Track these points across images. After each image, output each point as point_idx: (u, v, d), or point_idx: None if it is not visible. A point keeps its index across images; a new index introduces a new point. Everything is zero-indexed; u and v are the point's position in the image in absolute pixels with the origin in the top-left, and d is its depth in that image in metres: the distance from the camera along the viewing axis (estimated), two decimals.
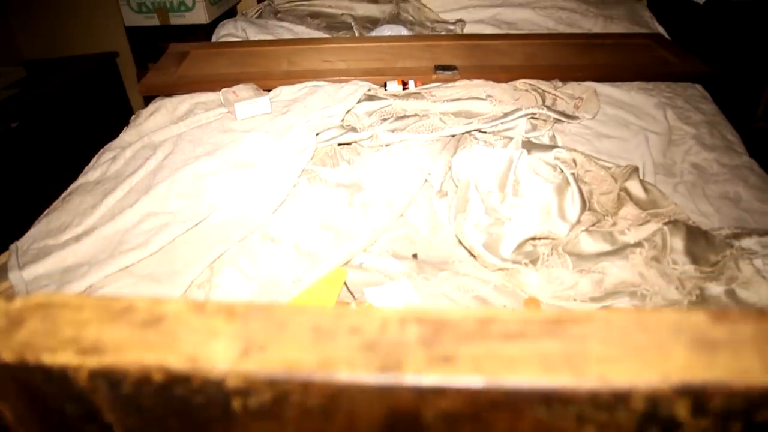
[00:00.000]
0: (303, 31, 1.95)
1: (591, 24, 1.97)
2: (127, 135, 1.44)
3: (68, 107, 2.50)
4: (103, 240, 1.00)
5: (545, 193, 1.03)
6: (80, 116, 2.57)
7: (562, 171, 1.08)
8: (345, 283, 0.92)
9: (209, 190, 1.08)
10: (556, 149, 1.11)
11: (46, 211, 1.21)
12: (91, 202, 1.16)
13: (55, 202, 1.22)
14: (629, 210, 1.10)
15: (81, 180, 1.28)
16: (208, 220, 1.01)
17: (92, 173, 1.29)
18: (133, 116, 1.56)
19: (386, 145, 1.24)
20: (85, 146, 2.51)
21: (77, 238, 1.04)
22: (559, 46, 1.77)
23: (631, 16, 2.05)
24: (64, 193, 1.25)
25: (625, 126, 1.42)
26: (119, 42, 2.77)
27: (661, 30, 2.03)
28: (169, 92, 1.60)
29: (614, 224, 1.08)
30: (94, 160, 1.37)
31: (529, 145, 1.16)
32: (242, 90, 1.40)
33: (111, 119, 2.71)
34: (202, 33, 2.40)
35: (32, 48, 2.93)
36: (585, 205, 1.03)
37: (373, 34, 1.88)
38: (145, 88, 1.61)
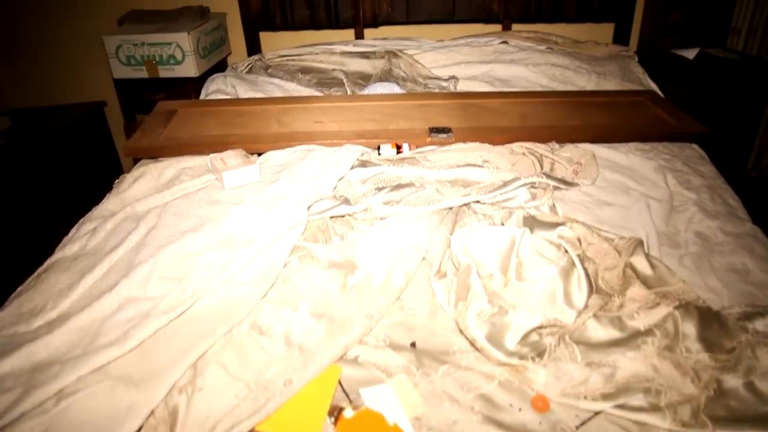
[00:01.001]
0: (294, 88, 1.92)
1: (584, 81, 1.95)
2: (109, 203, 1.38)
3: (53, 160, 2.44)
4: (78, 331, 0.93)
5: (550, 277, 0.98)
6: (66, 169, 2.51)
7: (566, 251, 1.02)
8: (339, 382, 0.85)
9: (194, 272, 1.02)
10: (559, 227, 1.07)
11: (19, 289, 1.14)
12: (68, 281, 1.09)
13: (29, 280, 1.15)
14: (637, 290, 1.05)
15: (58, 254, 1.21)
16: (191, 310, 0.94)
17: (70, 247, 1.22)
18: (117, 181, 1.50)
19: (381, 219, 1.18)
20: (70, 202, 2.46)
21: (50, 326, 0.97)
22: (554, 105, 1.75)
23: (624, 72, 2.04)
24: (40, 269, 1.18)
25: (625, 192, 1.39)
26: (107, 91, 2.73)
27: (653, 86, 2.02)
28: (155, 155, 1.55)
29: (621, 306, 1.03)
30: (73, 230, 1.30)
31: (531, 221, 1.11)
32: (230, 157, 1.35)
33: (98, 171, 2.67)
34: (192, 85, 2.37)
35: (18, 96, 2.89)
36: (592, 289, 0.98)
37: (366, 91, 1.85)
38: (130, 150, 1.56)
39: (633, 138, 1.61)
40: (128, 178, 1.46)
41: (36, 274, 1.17)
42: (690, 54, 2.32)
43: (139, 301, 0.97)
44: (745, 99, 2.29)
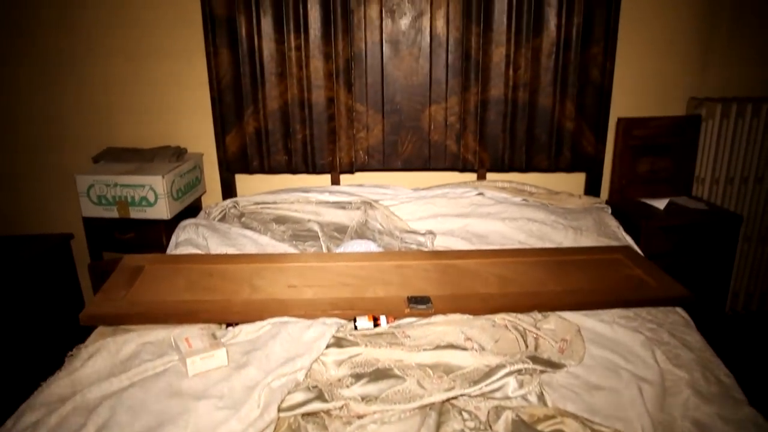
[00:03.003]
0: (267, 243, 1.87)
1: (561, 237, 1.95)
2: (58, 385, 1.25)
3: (11, 298, 2.31)
4: None
5: None
6: (25, 308, 2.37)
7: None
8: None
9: None
10: None
11: None
12: None
13: None
14: None
15: None
16: None
17: None
18: (70, 354, 1.37)
19: (359, 417, 1.08)
20: (26, 350, 2.31)
21: None
22: (533, 265, 1.72)
23: (599, 226, 2.06)
24: None
25: (614, 372, 1.32)
26: (75, 221, 2.62)
27: (629, 240, 2.03)
28: (115, 324, 1.44)
29: None
30: (10, 422, 1.16)
31: (520, 427, 1.02)
32: (196, 338, 1.25)
33: (59, 311, 2.52)
34: (163, 227, 2.32)
35: None
36: None
37: (341, 249, 1.81)
38: (88, 318, 1.45)
39: (615, 304, 1.57)
40: (83, 353, 1.34)
41: None
42: (660, 204, 2.38)
43: None
44: (716, 246, 2.33)
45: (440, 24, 2.21)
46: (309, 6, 2.21)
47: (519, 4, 2.17)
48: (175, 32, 2.43)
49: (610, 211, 2.24)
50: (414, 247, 1.91)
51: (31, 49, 2.48)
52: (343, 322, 1.40)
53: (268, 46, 2.26)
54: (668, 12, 2.39)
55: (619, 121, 2.42)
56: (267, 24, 2.24)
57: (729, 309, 2.81)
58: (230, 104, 2.35)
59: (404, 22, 2.23)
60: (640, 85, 2.47)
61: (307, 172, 2.40)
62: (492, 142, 2.32)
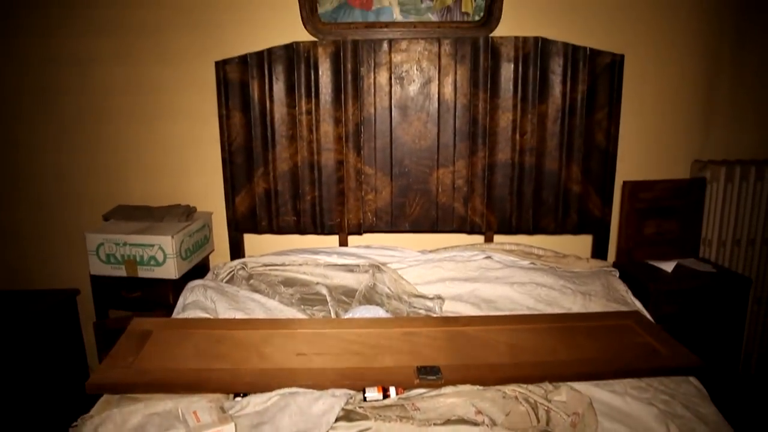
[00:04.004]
0: (275, 307, 1.87)
1: (570, 302, 1.95)
2: None
3: (12, 357, 2.29)
4: None
5: None
6: (27, 366, 2.36)
7: None
8: None
9: None
10: None
11: None
12: None
13: None
14: None
15: None
16: None
17: None
18: (74, 425, 1.36)
19: None
20: (27, 409, 2.29)
21: None
22: (542, 333, 1.71)
23: (608, 291, 2.05)
24: None
25: None
26: (82, 275, 2.62)
27: (638, 305, 2.02)
28: (122, 392, 1.43)
29: None
30: None
31: None
32: (204, 411, 1.24)
33: (60, 369, 2.51)
34: (171, 286, 2.33)
35: None
36: None
37: (349, 315, 1.80)
38: (95, 387, 1.44)
39: (626, 374, 1.55)
40: (88, 425, 1.32)
41: None
42: (668, 266, 2.37)
43: None
44: (726, 308, 2.31)
45: (448, 90, 2.27)
46: (320, 72, 2.28)
47: (525, 72, 2.24)
48: (188, 95, 2.50)
49: (618, 274, 2.24)
50: (422, 312, 1.91)
51: (47, 109, 2.56)
52: (352, 393, 1.38)
53: (280, 110, 2.32)
54: (670, 76, 2.45)
55: (625, 184, 2.44)
56: (279, 89, 2.31)
57: (741, 371, 2.76)
58: (241, 165, 2.40)
59: (413, 89, 2.29)
60: (644, 148, 2.51)
61: (316, 233, 2.42)
62: (499, 205, 2.34)
